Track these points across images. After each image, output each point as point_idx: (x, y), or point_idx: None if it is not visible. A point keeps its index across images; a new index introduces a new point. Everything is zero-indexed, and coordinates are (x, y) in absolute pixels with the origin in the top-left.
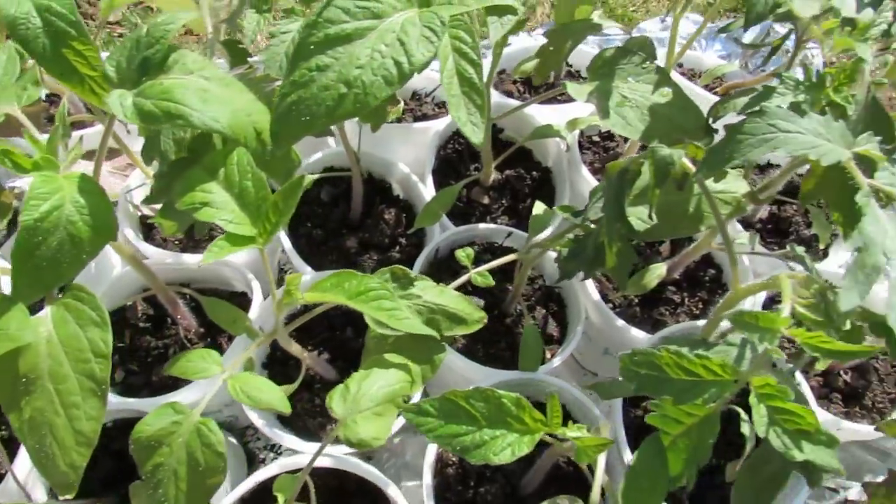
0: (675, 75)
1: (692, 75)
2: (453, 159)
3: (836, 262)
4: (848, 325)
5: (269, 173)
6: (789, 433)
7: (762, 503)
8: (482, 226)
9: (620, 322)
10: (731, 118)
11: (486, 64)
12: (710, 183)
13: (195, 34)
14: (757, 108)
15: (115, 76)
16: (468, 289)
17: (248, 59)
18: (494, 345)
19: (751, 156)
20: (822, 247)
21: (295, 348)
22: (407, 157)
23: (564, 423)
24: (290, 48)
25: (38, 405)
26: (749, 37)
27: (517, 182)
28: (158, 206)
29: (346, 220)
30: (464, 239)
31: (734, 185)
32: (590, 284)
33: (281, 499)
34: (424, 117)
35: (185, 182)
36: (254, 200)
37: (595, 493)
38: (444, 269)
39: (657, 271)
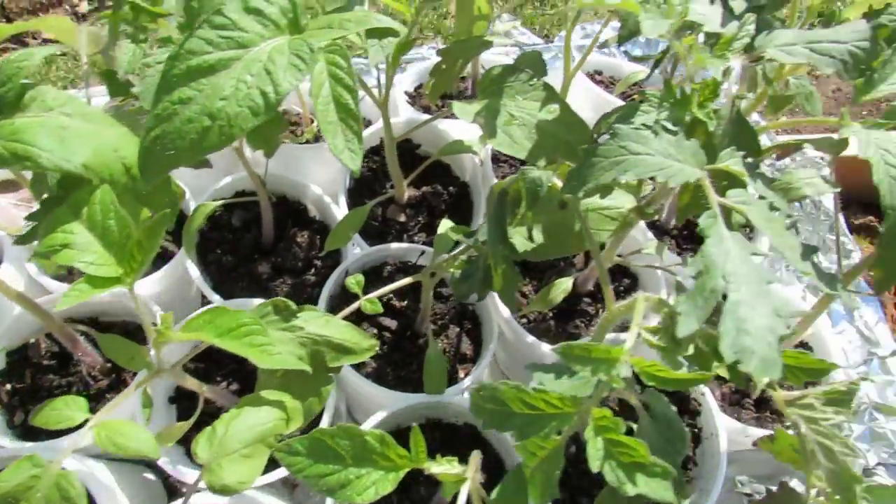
0: (589, 84)
1: (611, 82)
2: (369, 178)
3: None
4: (692, 350)
5: (150, 207)
6: (624, 466)
7: None
8: (394, 245)
9: (531, 338)
10: None
11: (406, 78)
12: (595, 199)
13: None
14: (611, 130)
15: None
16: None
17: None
18: (406, 367)
19: (603, 179)
20: None
21: (190, 383)
22: (324, 177)
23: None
24: None
25: None
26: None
27: (434, 198)
28: None
29: (258, 245)
30: (376, 259)
31: (620, 199)
32: (500, 301)
33: None
34: None
35: (50, 222)
36: (118, 240)
37: None
38: None
39: (562, 286)
